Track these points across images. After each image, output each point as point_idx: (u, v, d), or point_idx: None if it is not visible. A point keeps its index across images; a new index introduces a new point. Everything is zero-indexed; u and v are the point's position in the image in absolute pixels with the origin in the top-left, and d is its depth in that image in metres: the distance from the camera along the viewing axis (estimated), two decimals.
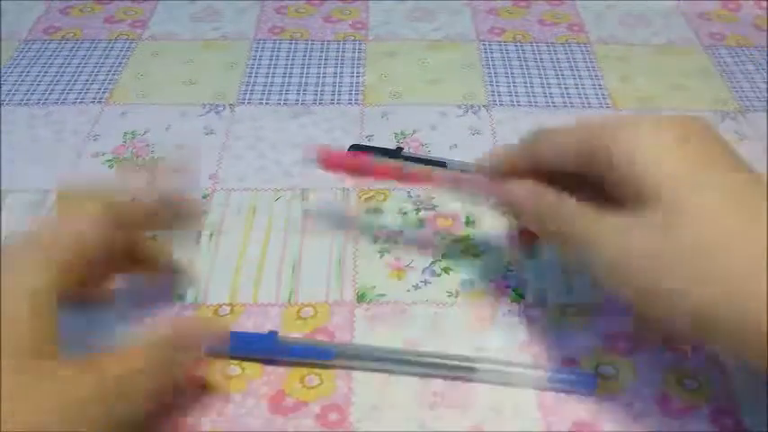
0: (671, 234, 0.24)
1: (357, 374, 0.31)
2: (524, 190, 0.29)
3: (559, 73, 0.50)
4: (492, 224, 0.38)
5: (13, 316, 0.23)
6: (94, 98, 0.47)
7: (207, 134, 0.44)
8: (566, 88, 0.48)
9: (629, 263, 0.25)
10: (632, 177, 0.25)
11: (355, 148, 0.41)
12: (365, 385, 0.30)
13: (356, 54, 0.51)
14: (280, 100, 0.47)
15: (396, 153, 0.39)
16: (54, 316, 0.24)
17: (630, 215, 0.25)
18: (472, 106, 0.46)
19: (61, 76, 0.49)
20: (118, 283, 0.33)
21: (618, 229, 0.25)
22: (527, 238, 0.34)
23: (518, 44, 0.53)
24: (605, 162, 0.26)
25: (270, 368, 0.31)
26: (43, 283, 0.25)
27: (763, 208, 0.24)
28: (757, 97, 0.48)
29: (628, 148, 0.25)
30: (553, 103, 0.47)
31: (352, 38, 0.53)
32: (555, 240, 0.29)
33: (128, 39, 0.53)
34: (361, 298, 0.34)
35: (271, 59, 0.51)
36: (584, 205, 0.27)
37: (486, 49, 0.52)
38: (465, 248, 0.37)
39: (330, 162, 0.35)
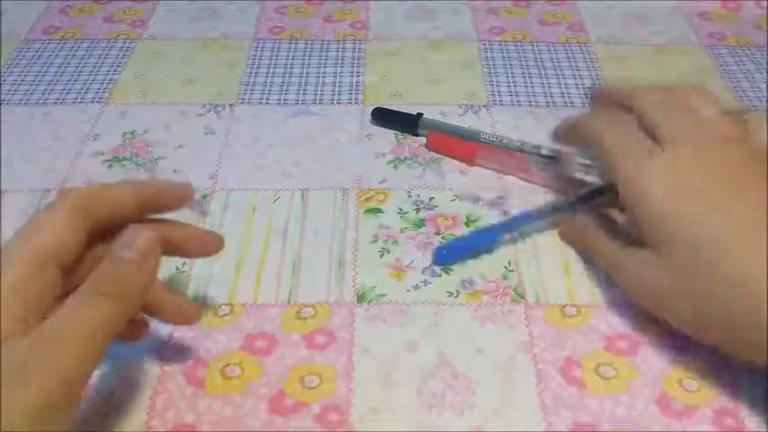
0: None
1: (357, 374, 0.31)
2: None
3: (560, 73, 0.50)
4: (492, 224, 0.38)
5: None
6: (94, 98, 0.47)
7: (206, 134, 0.44)
8: (566, 88, 0.48)
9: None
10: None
11: (378, 112, 0.45)
12: (365, 385, 0.30)
13: (356, 54, 0.51)
14: (279, 100, 0.47)
15: (416, 118, 0.44)
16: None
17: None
18: (472, 106, 0.46)
19: (61, 75, 0.49)
20: None
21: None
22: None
23: (518, 44, 0.53)
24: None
25: (270, 368, 0.31)
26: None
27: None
28: (757, 97, 0.48)
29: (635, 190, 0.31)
30: (554, 102, 0.47)
31: (353, 38, 0.53)
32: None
33: (127, 38, 0.53)
34: (361, 298, 0.34)
35: (270, 59, 0.51)
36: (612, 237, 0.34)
37: (486, 48, 0.52)
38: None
39: (437, 143, 0.42)
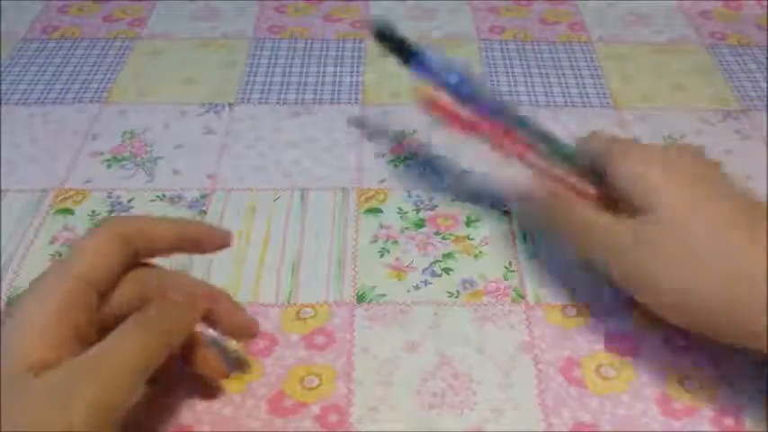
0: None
1: (357, 375, 0.31)
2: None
3: (560, 72, 0.50)
4: (492, 224, 0.38)
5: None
6: (93, 97, 0.47)
7: (206, 134, 0.44)
8: (567, 87, 0.48)
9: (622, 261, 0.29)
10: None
11: (381, 33, 0.36)
12: (365, 385, 0.30)
13: (356, 53, 0.51)
14: (279, 99, 0.47)
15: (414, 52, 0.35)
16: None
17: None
18: None
19: (60, 75, 0.49)
20: None
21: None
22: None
23: (519, 43, 0.53)
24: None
25: (269, 369, 0.31)
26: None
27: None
28: (759, 96, 0.48)
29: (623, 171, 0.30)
30: (554, 102, 0.47)
31: (352, 37, 0.53)
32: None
33: (126, 38, 0.53)
34: (361, 298, 0.34)
35: (270, 58, 0.51)
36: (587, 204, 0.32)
37: (486, 48, 0.52)
38: (465, 248, 0.37)
39: (436, 109, 0.35)
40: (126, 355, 0.23)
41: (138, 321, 0.25)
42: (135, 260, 0.27)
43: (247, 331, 0.29)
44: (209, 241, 0.29)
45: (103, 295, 0.25)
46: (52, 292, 0.24)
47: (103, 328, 0.25)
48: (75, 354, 0.23)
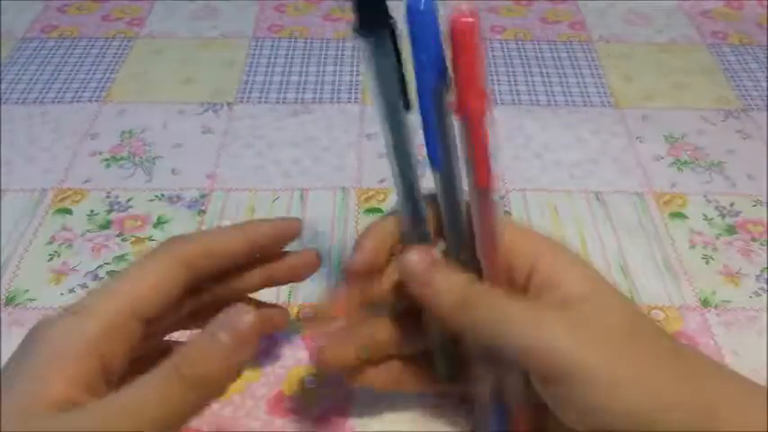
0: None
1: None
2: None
3: (561, 71, 0.49)
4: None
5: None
6: (92, 97, 0.46)
7: (205, 133, 0.44)
8: (568, 87, 0.48)
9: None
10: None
11: None
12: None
13: (356, 52, 0.51)
14: (279, 98, 0.47)
15: None
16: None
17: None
18: None
19: (58, 74, 0.48)
20: None
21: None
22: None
23: (519, 42, 0.52)
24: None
25: (269, 369, 0.31)
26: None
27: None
28: (760, 96, 0.48)
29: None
30: (555, 101, 0.47)
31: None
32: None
33: (125, 37, 0.52)
34: None
35: (269, 58, 0.50)
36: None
37: (487, 47, 0.52)
38: None
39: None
40: (156, 407, 0.20)
41: (174, 367, 0.21)
42: (200, 283, 0.25)
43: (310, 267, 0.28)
44: (283, 235, 0.26)
45: (154, 319, 0.23)
46: (90, 322, 0.21)
47: (153, 354, 0.22)
48: (102, 392, 0.21)
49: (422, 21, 0.20)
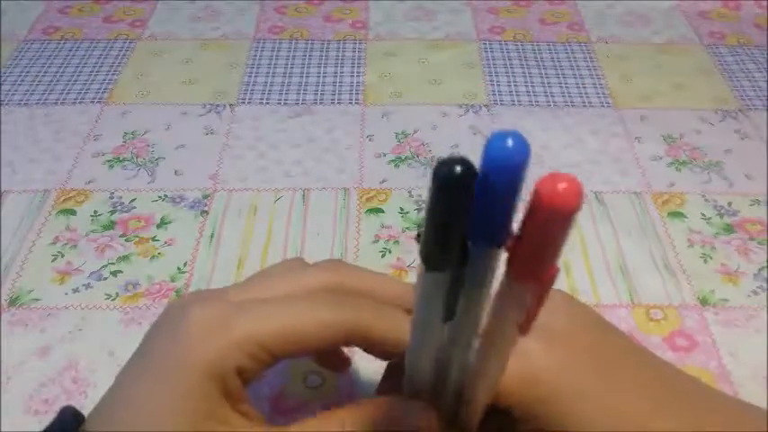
0: None
1: (359, 375, 0.31)
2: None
3: (560, 72, 0.50)
4: None
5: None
6: (94, 98, 0.47)
7: (207, 134, 0.44)
8: (566, 87, 0.48)
9: None
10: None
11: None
12: (367, 385, 0.30)
13: (356, 54, 0.51)
14: (280, 100, 0.47)
15: None
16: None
17: None
18: (473, 106, 0.46)
19: (61, 75, 0.49)
20: None
21: None
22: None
23: (519, 43, 0.53)
24: None
25: (271, 368, 0.31)
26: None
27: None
28: (757, 96, 0.48)
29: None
30: (554, 102, 0.47)
31: (353, 37, 0.53)
32: None
33: (127, 38, 0.53)
34: None
35: (271, 59, 0.51)
36: None
37: (486, 48, 0.52)
38: None
39: None
40: None
41: None
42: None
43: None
44: (390, 339, 0.22)
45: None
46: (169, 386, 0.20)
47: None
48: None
49: (509, 178, 0.14)
